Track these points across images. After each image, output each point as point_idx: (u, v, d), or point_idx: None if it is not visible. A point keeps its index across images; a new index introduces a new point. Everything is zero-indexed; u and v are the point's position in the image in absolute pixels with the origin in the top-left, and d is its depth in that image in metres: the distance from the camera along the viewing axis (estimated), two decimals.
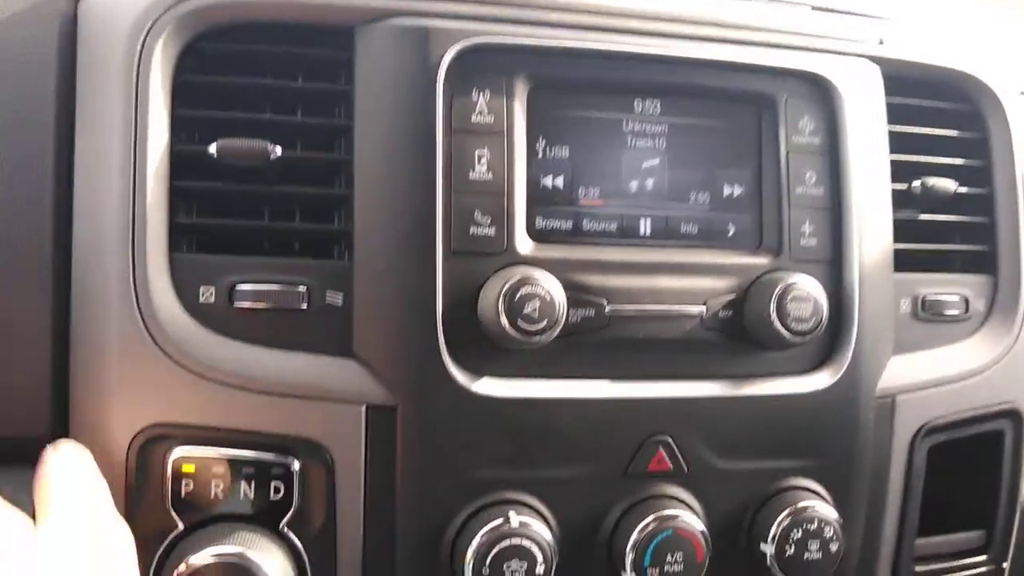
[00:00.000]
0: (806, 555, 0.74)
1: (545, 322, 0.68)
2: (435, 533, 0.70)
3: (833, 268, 0.78)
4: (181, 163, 0.69)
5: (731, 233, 0.78)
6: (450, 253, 0.69)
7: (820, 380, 0.77)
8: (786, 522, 0.74)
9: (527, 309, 0.67)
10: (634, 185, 0.76)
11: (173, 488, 0.67)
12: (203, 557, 0.65)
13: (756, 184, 0.78)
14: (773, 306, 0.73)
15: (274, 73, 0.72)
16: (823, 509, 0.75)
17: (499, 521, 0.68)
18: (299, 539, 0.69)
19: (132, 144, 0.68)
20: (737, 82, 0.78)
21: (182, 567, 0.65)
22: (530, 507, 0.71)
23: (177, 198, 0.69)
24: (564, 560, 0.70)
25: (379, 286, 0.70)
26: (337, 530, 0.69)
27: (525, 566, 0.68)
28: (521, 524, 0.68)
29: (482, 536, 0.68)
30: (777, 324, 0.73)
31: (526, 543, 0.68)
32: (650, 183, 0.76)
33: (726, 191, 0.78)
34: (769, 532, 0.74)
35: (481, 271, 0.70)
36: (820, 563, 0.74)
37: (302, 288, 0.70)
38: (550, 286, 0.68)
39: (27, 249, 0.71)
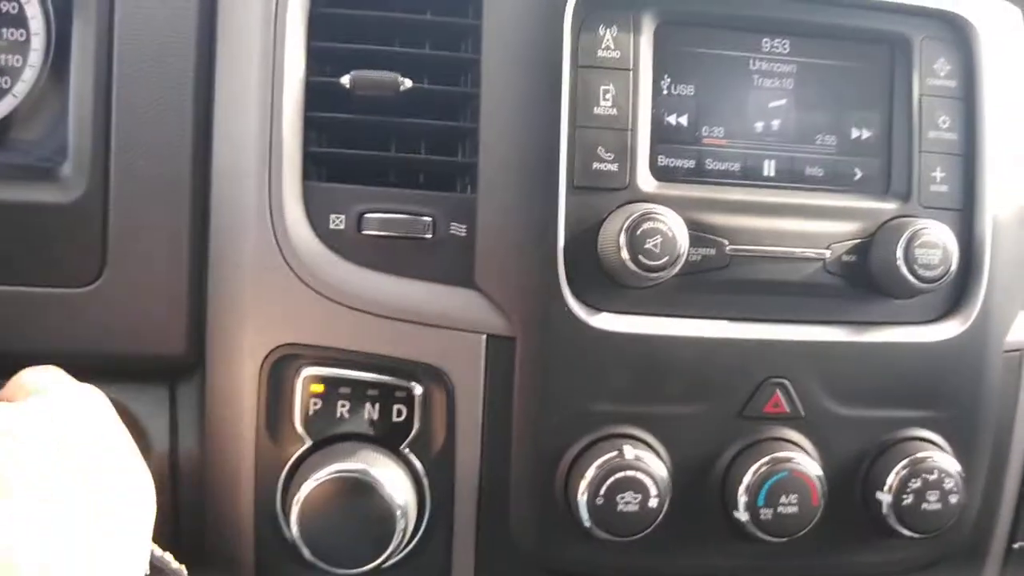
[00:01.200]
0: (924, 505, 0.72)
1: (666, 258, 0.68)
2: (550, 462, 0.71)
3: (964, 216, 0.76)
4: (315, 94, 0.71)
5: (858, 177, 0.76)
6: (573, 188, 0.70)
7: (946, 330, 0.75)
8: (905, 471, 0.73)
9: (648, 244, 0.67)
10: (759, 125, 0.75)
11: (302, 406, 0.70)
12: (328, 472, 0.68)
13: (886, 127, 0.76)
14: (900, 252, 0.71)
15: (404, 7, 0.73)
16: (944, 460, 0.73)
17: (614, 453, 0.69)
18: (419, 460, 0.72)
19: (270, 75, 0.70)
20: (870, 22, 0.76)
21: (309, 481, 0.68)
22: (644, 442, 0.71)
23: (310, 128, 0.71)
24: (677, 496, 0.70)
25: (502, 219, 0.71)
26: (455, 454, 0.71)
27: (639, 499, 0.69)
28: (636, 457, 0.69)
29: (597, 467, 0.69)
30: (904, 270, 0.71)
31: (640, 476, 0.69)
32: (776, 124, 0.75)
33: (854, 134, 0.76)
34: (887, 481, 0.73)
35: (603, 207, 0.70)
36: (938, 514, 0.72)
37: (427, 218, 0.71)
38: (672, 223, 0.68)
39: (168, 173, 0.74)
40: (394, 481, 0.69)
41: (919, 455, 0.73)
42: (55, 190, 0.76)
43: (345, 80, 0.71)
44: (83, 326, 0.76)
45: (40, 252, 0.76)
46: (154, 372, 0.79)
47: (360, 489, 0.67)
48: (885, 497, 0.73)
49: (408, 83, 0.71)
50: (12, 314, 0.75)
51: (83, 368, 0.76)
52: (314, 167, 0.72)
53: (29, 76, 0.79)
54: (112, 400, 0.76)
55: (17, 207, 0.75)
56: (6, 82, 0.79)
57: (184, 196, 0.76)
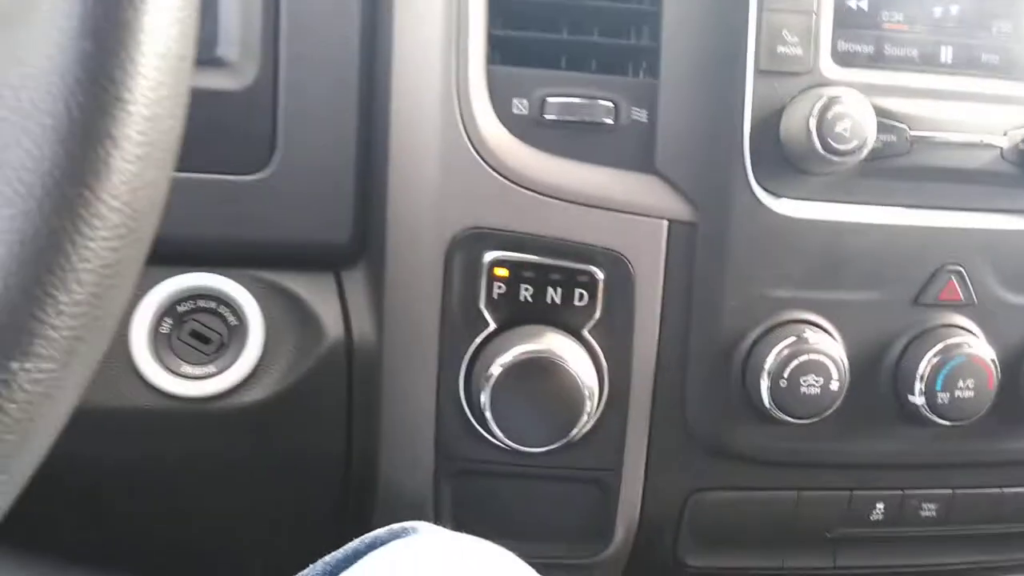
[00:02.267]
0: None
1: (855, 143, 0.67)
2: (728, 347, 0.72)
3: None
4: None
5: None
6: (758, 71, 0.69)
7: None
8: None
9: (839, 128, 0.67)
10: (937, 11, 0.74)
11: (487, 289, 0.71)
12: (517, 353, 0.69)
13: None
14: None
15: None
16: None
17: (794, 338, 0.70)
18: (599, 344, 0.72)
19: None
20: None
21: (495, 363, 0.69)
22: (821, 328, 0.72)
23: (491, 11, 0.71)
24: (852, 381, 0.71)
25: (685, 103, 0.70)
26: (634, 339, 0.72)
27: (821, 381, 0.69)
28: (817, 340, 0.70)
29: (779, 351, 0.69)
30: None
31: (823, 359, 0.69)
32: (953, 9, 0.74)
33: None
34: None
35: (786, 91, 0.70)
36: None
37: (608, 103, 0.71)
38: (860, 107, 0.68)
39: (338, 59, 0.74)
40: (579, 363, 0.70)
41: None
42: (225, 76, 0.75)
43: None
44: (250, 213, 0.76)
45: (210, 139, 0.75)
46: (319, 260, 0.80)
47: (550, 370, 0.68)
48: None
49: None
50: (183, 201, 0.75)
51: (248, 256, 0.77)
52: (494, 51, 0.71)
53: None
54: (282, 288, 0.78)
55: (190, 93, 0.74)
56: None
57: (353, 82, 0.75)
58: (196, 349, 0.77)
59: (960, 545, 0.83)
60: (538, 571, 0.57)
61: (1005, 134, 0.73)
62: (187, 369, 0.76)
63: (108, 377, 0.75)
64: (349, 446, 0.78)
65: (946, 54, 0.74)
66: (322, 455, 0.79)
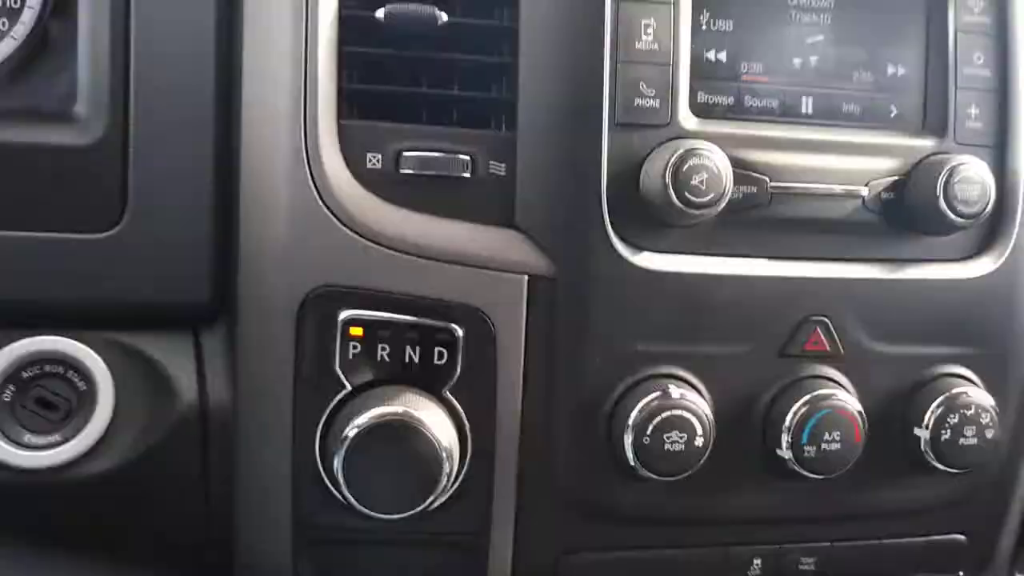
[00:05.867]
0: (962, 441, 0.73)
1: (712, 195, 0.67)
2: (593, 404, 0.70)
3: (998, 153, 0.76)
4: (348, 28, 0.69)
5: (894, 113, 0.76)
6: (614, 125, 0.68)
7: (981, 266, 0.76)
8: (941, 408, 0.73)
9: (694, 181, 0.66)
10: (797, 62, 0.74)
11: (341, 350, 0.69)
12: (370, 416, 0.66)
13: (922, 64, 0.76)
14: (940, 188, 0.71)
15: None
16: (979, 396, 0.74)
17: (658, 393, 0.68)
18: (460, 404, 0.70)
19: (303, 9, 0.67)
20: None
21: (350, 426, 0.66)
22: (687, 382, 0.71)
23: (343, 64, 0.69)
24: (720, 436, 0.70)
25: (542, 157, 0.69)
26: (497, 397, 0.70)
27: (685, 438, 0.68)
28: (681, 396, 0.68)
29: (642, 406, 0.68)
30: (943, 206, 0.71)
31: (686, 415, 0.68)
32: (813, 60, 0.74)
33: (890, 70, 0.76)
34: (924, 417, 0.73)
35: (644, 144, 0.69)
36: (975, 449, 0.73)
37: (466, 157, 0.70)
38: (717, 159, 0.67)
39: (190, 114, 0.72)
40: (438, 424, 0.67)
41: (955, 391, 0.73)
42: (72, 132, 0.73)
43: (380, 14, 0.68)
44: (103, 273, 0.73)
45: (58, 197, 0.73)
46: (176, 320, 0.77)
47: (405, 432, 0.66)
48: (923, 433, 0.73)
49: (444, 17, 0.69)
50: (30, 261, 0.72)
51: (103, 316, 0.74)
52: (347, 105, 0.69)
53: (28, 17, 0.76)
54: (135, 350, 0.75)
55: (33, 149, 0.72)
56: (3, 24, 0.76)
57: (207, 138, 0.73)
58: (41, 417, 0.73)
59: None
60: None
61: (867, 184, 0.73)
62: (31, 439, 0.73)
63: None
64: (208, 515, 0.75)
65: (807, 105, 0.74)
66: (179, 525, 0.75)
